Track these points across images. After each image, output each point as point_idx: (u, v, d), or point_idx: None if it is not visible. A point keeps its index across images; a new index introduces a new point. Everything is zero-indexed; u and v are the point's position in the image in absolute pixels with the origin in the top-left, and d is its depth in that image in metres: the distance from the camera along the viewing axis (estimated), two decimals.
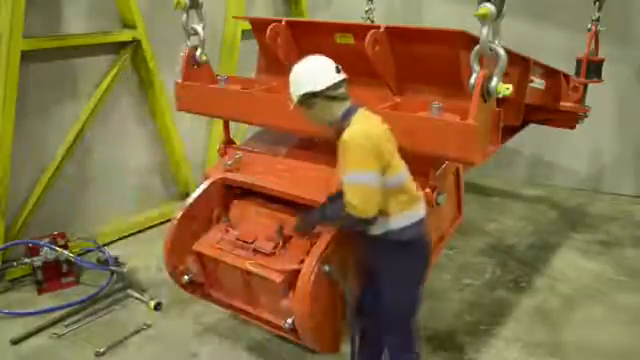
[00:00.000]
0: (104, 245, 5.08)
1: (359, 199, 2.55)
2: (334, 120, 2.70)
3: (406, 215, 2.73)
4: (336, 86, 2.66)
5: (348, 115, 2.67)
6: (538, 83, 4.17)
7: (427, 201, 3.01)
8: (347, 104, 2.70)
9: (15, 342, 3.84)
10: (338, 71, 2.69)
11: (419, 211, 2.79)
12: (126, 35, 5.21)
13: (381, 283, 2.85)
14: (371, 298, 3.03)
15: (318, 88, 2.64)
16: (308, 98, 2.67)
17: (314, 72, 2.68)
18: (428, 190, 3.03)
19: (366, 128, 2.62)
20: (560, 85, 4.61)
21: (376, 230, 2.71)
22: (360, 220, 2.60)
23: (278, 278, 3.01)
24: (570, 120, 5.13)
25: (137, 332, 3.96)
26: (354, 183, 2.56)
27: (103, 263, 4.68)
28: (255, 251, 3.20)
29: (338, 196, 2.95)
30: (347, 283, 2.95)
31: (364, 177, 2.55)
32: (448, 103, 2.90)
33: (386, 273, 2.81)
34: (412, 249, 2.79)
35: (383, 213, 2.66)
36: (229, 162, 3.67)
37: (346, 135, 2.58)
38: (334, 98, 2.67)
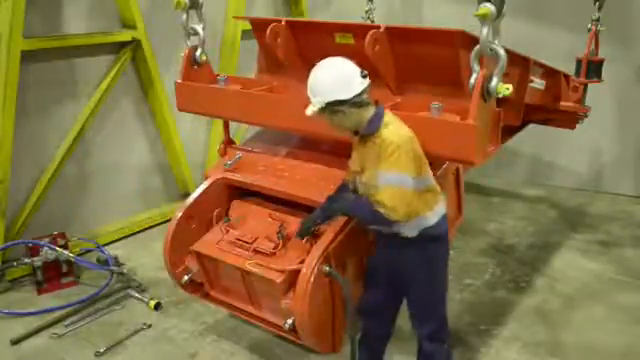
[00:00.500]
0: (104, 245, 5.09)
1: (395, 201, 2.55)
2: (360, 125, 2.67)
3: (436, 211, 2.79)
4: (362, 92, 2.59)
5: (378, 119, 2.64)
6: (538, 83, 4.16)
7: None
8: (372, 109, 2.66)
9: (15, 342, 3.84)
10: (364, 76, 2.61)
11: (444, 205, 2.86)
12: (126, 35, 5.21)
13: (417, 276, 2.85)
14: (374, 299, 3.04)
15: (346, 96, 2.55)
16: (334, 106, 2.58)
17: (341, 79, 2.57)
18: None
19: (407, 131, 2.64)
20: (560, 85, 4.61)
21: (411, 232, 2.74)
22: (390, 221, 2.60)
23: (278, 278, 3.01)
24: (570, 120, 5.13)
25: (137, 332, 3.96)
26: (393, 185, 2.56)
27: (103, 263, 4.68)
28: (255, 251, 3.20)
29: (341, 191, 2.96)
30: (347, 283, 2.95)
31: (404, 180, 2.56)
32: (448, 103, 2.90)
33: (422, 269, 2.82)
34: (443, 241, 2.86)
35: (418, 214, 2.69)
36: (229, 162, 3.67)
37: (389, 136, 2.57)
38: (360, 104, 2.61)
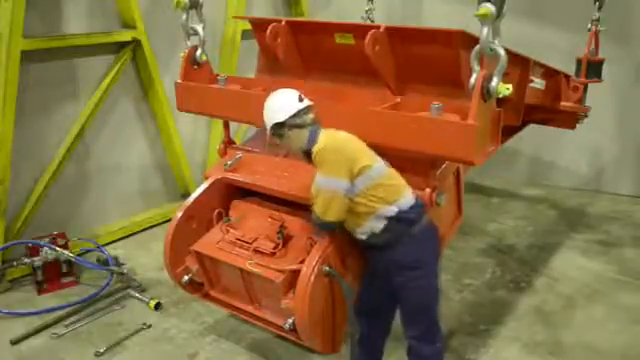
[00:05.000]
0: (104, 245, 5.08)
1: (321, 203, 2.73)
2: (304, 145, 2.83)
3: (384, 212, 2.76)
4: (300, 113, 2.80)
5: (313, 136, 2.81)
6: (538, 83, 4.17)
7: (426, 201, 3.02)
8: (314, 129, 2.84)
9: (15, 342, 3.84)
10: (301, 100, 2.84)
11: (403, 202, 2.80)
12: (126, 35, 5.20)
13: (399, 277, 2.85)
14: (369, 299, 3.04)
15: (282, 118, 2.80)
16: (277, 129, 2.84)
17: (277, 104, 2.86)
18: (428, 190, 3.03)
19: (331, 139, 2.78)
20: (560, 85, 4.61)
21: (363, 236, 2.84)
22: (320, 222, 2.78)
23: (278, 278, 3.01)
24: (570, 120, 5.13)
25: (137, 332, 3.96)
26: (320, 187, 2.73)
27: (103, 263, 4.68)
28: (255, 251, 3.20)
29: None
30: (347, 283, 2.95)
31: (330, 183, 2.69)
32: (448, 103, 2.90)
33: (404, 266, 2.83)
34: (420, 240, 2.83)
35: (361, 214, 2.76)
36: (229, 162, 3.67)
37: (317, 146, 2.75)
38: (301, 126, 2.81)
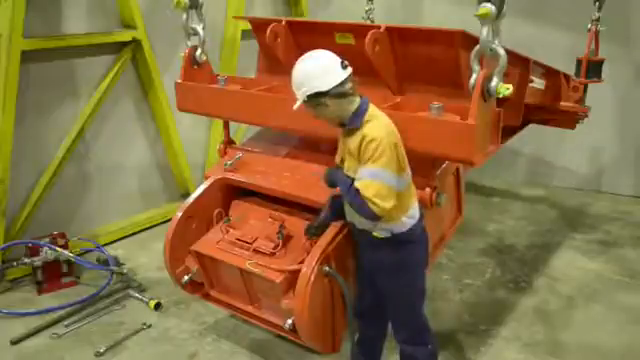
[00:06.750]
0: (104, 245, 5.09)
1: (376, 196, 2.51)
2: (345, 117, 2.63)
3: (410, 215, 2.75)
4: (343, 82, 2.55)
5: (362, 113, 2.60)
6: (538, 83, 4.17)
7: (427, 201, 3.02)
8: (357, 100, 2.63)
9: (15, 342, 3.83)
10: (344, 67, 2.58)
11: (418, 209, 2.82)
12: (126, 35, 5.20)
13: (387, 279, 2.84)
14: (369, 300, 3.04)
15: (326, 88, 2.53)
16: (316, 98, 2.56)
17: (320, 70, 2.55)
18: (428, 190, 3.03)
19: (390, 128, 2.61)
20: (560, 85, 4.61)
21: (383, 233, 2.72)
22: (375, 216, 2.56)
23: (278, 278, 3.02)
24: (570, 120, 5.13)
25: (137, 332, 3.96)
26: (375, 179, 2.51)
27: (103, 263, 4.68)
28: (255, 251, 3.20)
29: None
30: (347, 283, 2.95)
31: (386, 176, 2.53)
32: (448, 103, 2.90)
33: (393, 272, 2.81)
34: (417, 245, 2.82)
35: (393, 217, 2.67)
36: (229, 162, 3.67)
37: (372, 132, 2.53)
38: (343, 95, 2.57)
